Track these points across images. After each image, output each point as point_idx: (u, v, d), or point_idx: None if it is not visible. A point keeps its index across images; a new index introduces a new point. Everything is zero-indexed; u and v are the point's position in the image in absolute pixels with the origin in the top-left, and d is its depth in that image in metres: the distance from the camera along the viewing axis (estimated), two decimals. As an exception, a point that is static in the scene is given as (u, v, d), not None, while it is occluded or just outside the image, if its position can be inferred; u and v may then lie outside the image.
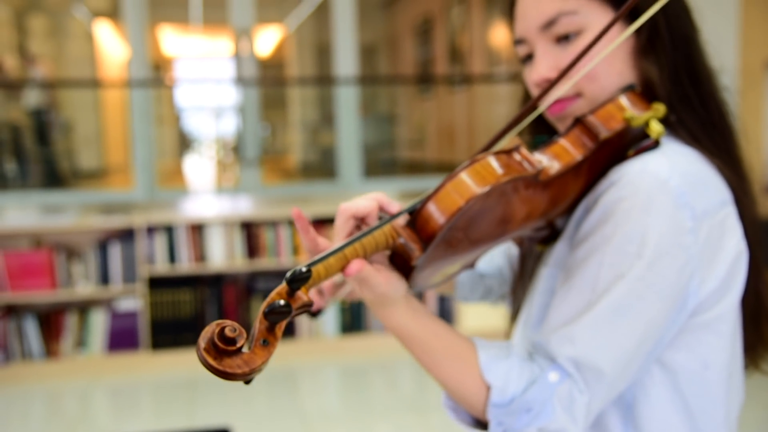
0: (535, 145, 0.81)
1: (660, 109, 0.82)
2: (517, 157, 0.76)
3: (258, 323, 0.63)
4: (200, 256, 3.70)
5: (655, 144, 0.82)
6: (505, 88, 6.10)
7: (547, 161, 0.79)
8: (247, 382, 0.62)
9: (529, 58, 0.91)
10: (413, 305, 0.80)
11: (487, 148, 0.86)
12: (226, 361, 0.60)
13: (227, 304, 3.75)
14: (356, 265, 0.72)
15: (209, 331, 0.60)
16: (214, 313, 3.73)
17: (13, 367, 3.50)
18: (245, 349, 0.62)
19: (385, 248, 0.74)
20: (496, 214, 0.76)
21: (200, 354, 0.60)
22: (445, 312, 3.96)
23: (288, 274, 0.65)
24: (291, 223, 3.76)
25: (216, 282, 3.77)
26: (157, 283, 3.66)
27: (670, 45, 0.85)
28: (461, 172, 0.73)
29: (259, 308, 0.68)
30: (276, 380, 3.48)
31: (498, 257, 1.17)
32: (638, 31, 0.86)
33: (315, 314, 1.09)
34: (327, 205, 4.00)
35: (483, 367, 0.79)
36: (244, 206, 4.13)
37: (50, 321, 3.61)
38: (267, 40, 9.80)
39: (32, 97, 6.16)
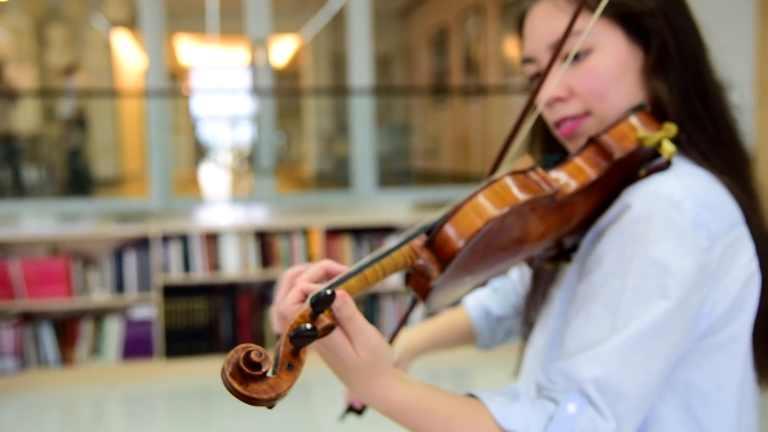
0: (545, 165, 0.82)
1: (671, 129, 0.82)
2: (534, 176, 0.76)
3: (283, 347, 0.62)
4: (215, 264, 3.71)
5: (667, 164, 0.82)
6: (520, 99, 6.09)
7: (564, 180, 0.79)
8: (270, 406, 0.61)
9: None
10: (400, 375, 0.76)
11: (497, 162, 0.86)
12: (252, 386, 0.59)
13: (241, 312, 3.77)
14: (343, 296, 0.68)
15: (234, 355, 0.59)
16: (228, 322, 3.75)
17: (29, 374, 3.53)
18: (270, 374, 0.60)
19: (404, 268, 0.73)
20: (513, 234, 0.76)
21: (225, 379, 0.58)
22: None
23: (311, 297, 0.65)
24: (305, 232, 3.78)
25: (230, 291, 3.79)
26: (171, 292, 3.68)
27: (679, 64, 0.85)
28: (479, 193, 0.72)
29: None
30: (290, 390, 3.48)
31: (510, 295, 1.17)
32: (647, 51, 0.86)
33: (360, 411, 1.14)
34: (341, 215, 4.01)
35: (498, 417, 0.75)
36: (258, 215, 4.15)
37: (66, 328, 3.64)
38: (283, 50, 9.86)
39: (67, 108, 6.23)
